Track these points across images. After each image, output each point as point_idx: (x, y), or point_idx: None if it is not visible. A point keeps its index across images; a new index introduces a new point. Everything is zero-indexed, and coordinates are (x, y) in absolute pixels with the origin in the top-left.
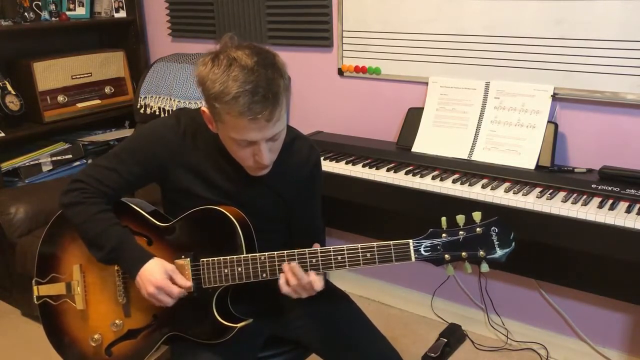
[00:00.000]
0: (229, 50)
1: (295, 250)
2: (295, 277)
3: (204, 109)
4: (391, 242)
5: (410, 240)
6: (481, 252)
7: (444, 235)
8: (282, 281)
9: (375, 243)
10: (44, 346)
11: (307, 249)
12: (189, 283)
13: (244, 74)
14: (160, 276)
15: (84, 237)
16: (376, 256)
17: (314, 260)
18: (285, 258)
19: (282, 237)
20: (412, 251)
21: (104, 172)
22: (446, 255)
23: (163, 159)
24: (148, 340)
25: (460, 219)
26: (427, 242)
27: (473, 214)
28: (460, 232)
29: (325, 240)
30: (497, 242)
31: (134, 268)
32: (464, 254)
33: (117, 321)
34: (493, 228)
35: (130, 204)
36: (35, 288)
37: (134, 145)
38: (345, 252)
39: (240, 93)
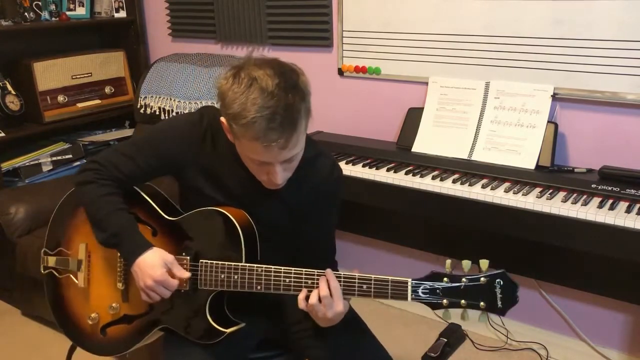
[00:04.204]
0: (251, 67)
1: (292, 269)
2: (327, 288)
3: (223, 120)
4: (390, 277)
5: (409, 280)
6: (482, 303)
7: (445, 279)
8: (310, 295)
9: (372, 275)
10: (44, 346)
11: (304, 269)
12: (187, 274)
13: (263, 98)
14: (160, 270)
15: (89, 216)
16: (372, 290)
17: (309, 282)
18: (282, 274)
19: (289, 250)
20: (409, 291)
21: (121, 158)
22: (444, 301)
23: (179, 156)
24: (141, 328)
25: (466, 264)
26: (427, 284)
27: (480, 261)
28: (463, 280)
29: (336, 264)
30: (500, 296)
31: (131, 256)
32: (463, 302)
33: (114, 304)
34: (498, 280)
35: (141, 192)
36: (44, 258)
37: (154, 137)
38: (342, 279)
39: (257, 118)
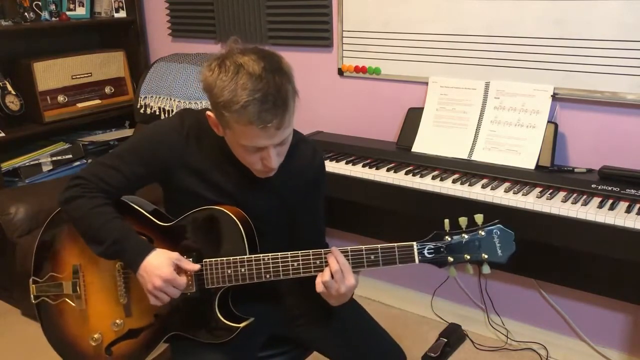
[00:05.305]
0: (235, 55)
1: (299, 252)
2: (337, 263)
3: (210, 113)
4: (395, 244)
5: (414, 243)
6: (484, 255)
7: (447, 237)
8: (323, 273)
9: (379, 245)
10: (44, 346)
11: (311, 251)
12: (197, 266)
13: (253, 82)
14: (168, 269)
15: (83, 231)
16: (380, 258)
17: (317, 262)
18: (289, 259)
19: (283, 240)
20: (415, 253)
21: (105, 170)
22: (449, 258)
23: (166, 161)
24: (149, 340)
25: (463, 221)
26: (431, 245)
27: (475, 216)
28: (463, 235)
29: (327, 246)
30: (499, 245)
31: (136, 261)
32: (466, 256)
33: (117, 321)
34: (495, 230)
35: (130, 203)
36: (32, 287)
37: (137, 146)
38: (350, 253)
39: (250, 102)
